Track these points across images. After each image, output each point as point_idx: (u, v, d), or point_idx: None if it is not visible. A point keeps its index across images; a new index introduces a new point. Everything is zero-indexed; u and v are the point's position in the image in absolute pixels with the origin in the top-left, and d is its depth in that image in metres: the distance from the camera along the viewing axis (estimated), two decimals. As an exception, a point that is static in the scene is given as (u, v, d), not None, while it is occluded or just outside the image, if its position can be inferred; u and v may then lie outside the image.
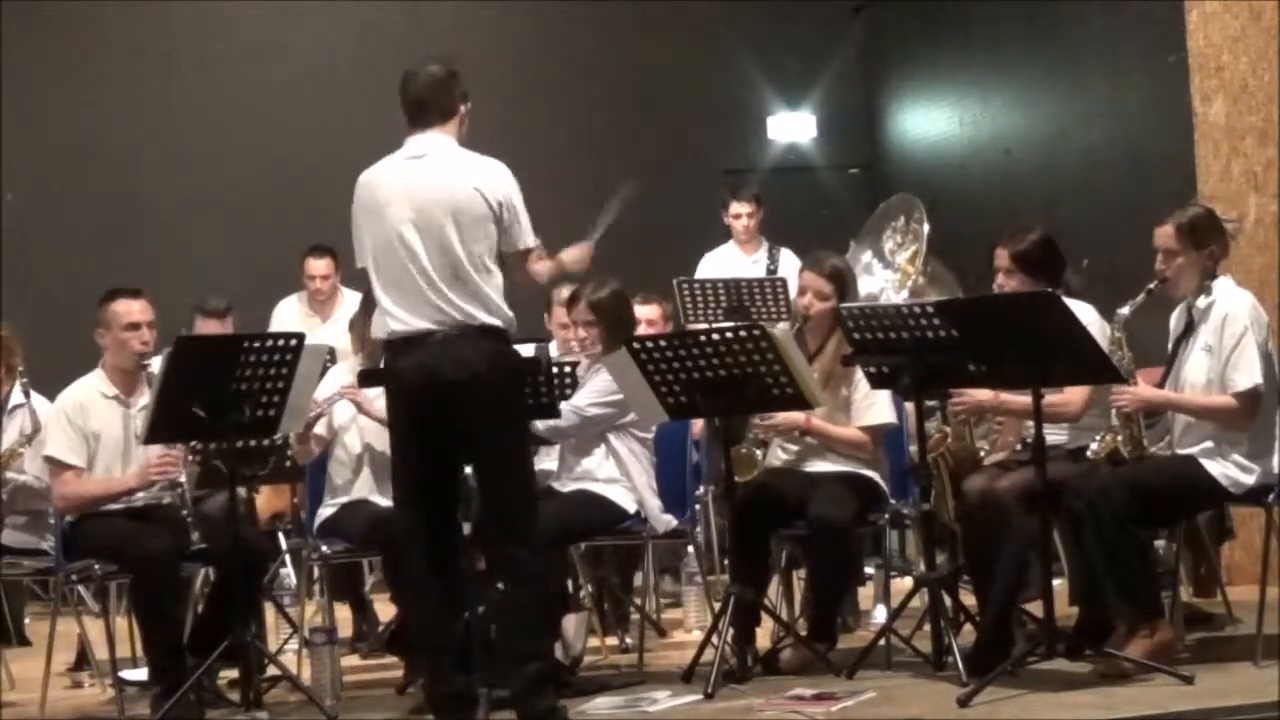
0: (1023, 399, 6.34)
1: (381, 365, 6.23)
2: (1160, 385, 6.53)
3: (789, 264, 9.92)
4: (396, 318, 5.98)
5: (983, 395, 6.66)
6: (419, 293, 5.95)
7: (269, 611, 7.58)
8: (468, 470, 6.12)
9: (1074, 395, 6.57)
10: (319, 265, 10.23)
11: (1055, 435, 6.57)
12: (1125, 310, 6.47)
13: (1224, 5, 8.42)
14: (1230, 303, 6.40)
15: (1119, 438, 6.47)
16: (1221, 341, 6.35)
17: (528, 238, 6.11)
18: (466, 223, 5.99)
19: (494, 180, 6.06)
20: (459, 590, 6.06)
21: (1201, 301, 6.45)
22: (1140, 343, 6.56)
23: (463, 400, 5.93)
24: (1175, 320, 6.61)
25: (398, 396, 6.06)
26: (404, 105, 6.14)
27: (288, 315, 10.32)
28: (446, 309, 5.94)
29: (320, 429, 7.10)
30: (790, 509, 6.87)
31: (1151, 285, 6.49)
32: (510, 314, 6.08)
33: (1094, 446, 6.50)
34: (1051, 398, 6.47)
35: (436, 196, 5.99)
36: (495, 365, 6.00)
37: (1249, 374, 6.29)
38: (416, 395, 5.96)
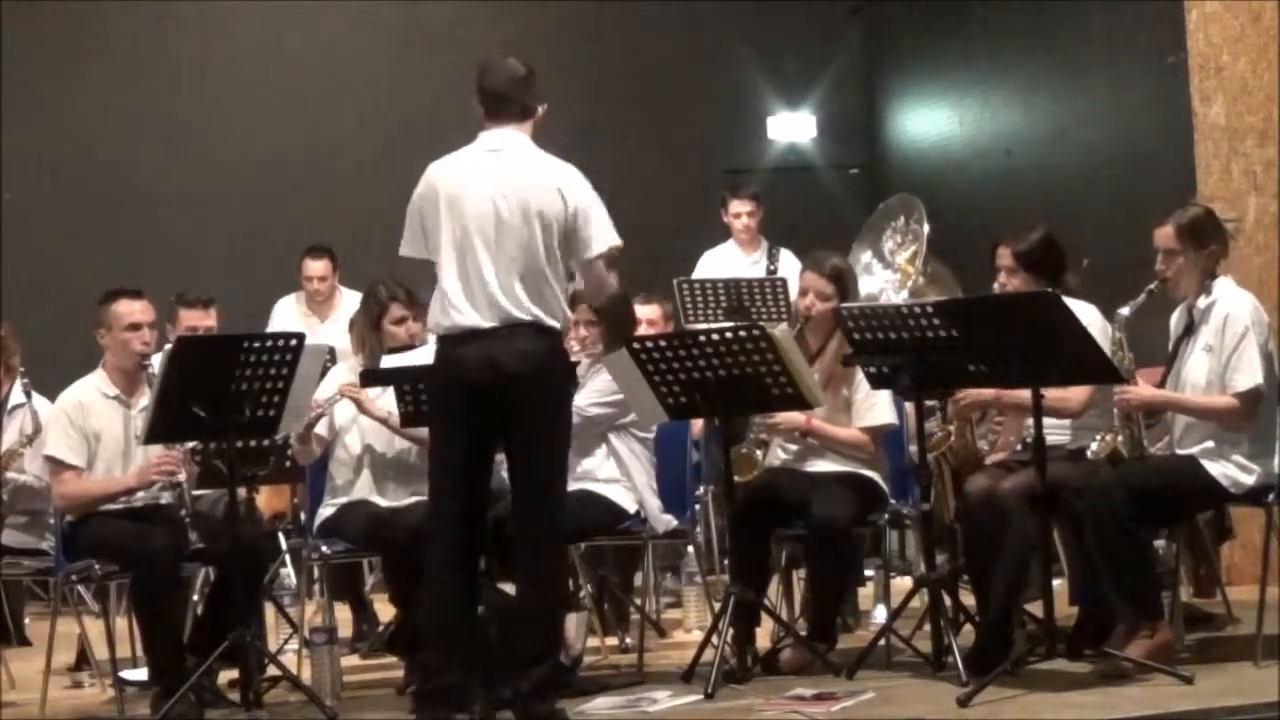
0: (1024, 393, 6.33)
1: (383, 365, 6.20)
2: (1160, 385, 6.52)
3: (788, 264, 9.91)
4: (461, 310, 5.96)
5: (985, 391, 6.66)
6: (491, 287, 5.95)
7: (269, 611, 7.58)
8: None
9: (1076, 392, 6.57)
10: (317, 266, 10.22)
11: (1056, 435, 6.56)
12: (1126, 311, 6.47)
13: (1224, 5, 8.42)
14: (1231, 303, 6.39)
15: (1119, 438, 6.47)
16: (1223, 342, 6.35)
17: (609, 237, 6.12)
18: (548, 222, 6.01)
19: (573, 183, 6.10)
20: (476, 588, 6.06)
21: (1202, 302, 6.45)
22: (1140, 343, 6.56)
23: (522, 393, 5.92)
24: (1175, 320, 6.61)
25: (452, 387, 6.01)
26: (483, 97, 6.14)
27: (286, 315, 10.32)
28: (513, 306, 5.95)
29: (321, 429, 7.10)
30: (790, 509, 6.87)
31: (1152, 285, 6.49)
32: (570, 316, 6.16)
33: (1094, 447, 6.50)
34: (1052, 393, 6.47)
35: (521, 193, 6.00)
36: (555, 362, 6.06)
37: (1250, 374, 6.29)
38: (477, 386, 5.93)
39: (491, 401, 5.94)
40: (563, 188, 6.05)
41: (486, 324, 5.94)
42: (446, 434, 6.06)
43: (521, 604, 6.01)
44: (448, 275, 6.01)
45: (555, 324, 6.02)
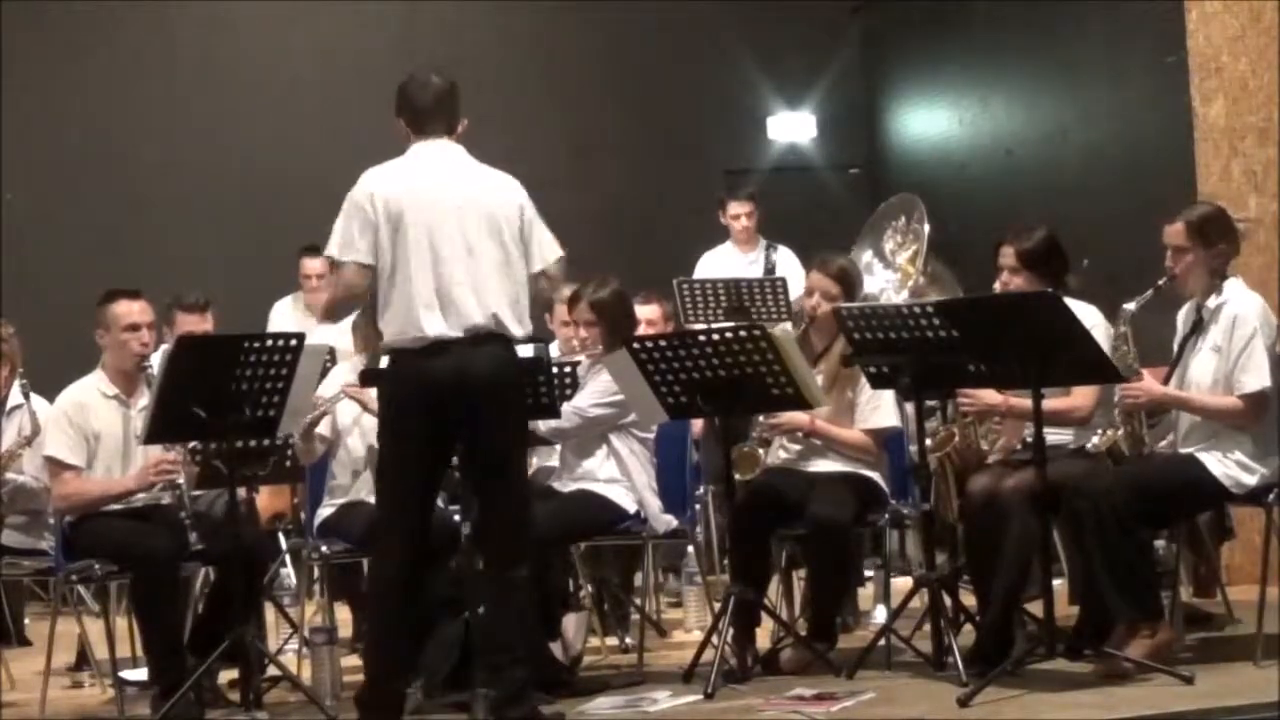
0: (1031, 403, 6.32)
1: (383, 365, 6.19)
2: (1165, 383, 6.51)
3: (787, 263, 9.94)
4: (427, 322, 5.92)
5: (992, 398, 6.65)
6: (456, 299, 5.94)
7: (269, 611, 7.58)
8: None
9: (1083, 400, 6.56)
10: (314, 264, 10.22)
11: (1058, 435, 6.56)
12: (1131, 306, 6.47)
13: (1224, 5, 8.43)
14: (1240, 304, 6.38)
15: (1120, 432, 6.47)
16: (1230, 343, 6.34)
17: (556, 247, 6.16)
18: (511, 231, 6.04)
19: (522, 194, 6.13)
20: (420, 598, 6.09)
21: (1212, 301, 6.43)
22: (1141, 342, 6.56)
23: (494, 405, 5.94)
24: (1183, 317, 6.60)
25: (419, 399, 5.97)
26: (414, 112, 6.12)
27: (284, 315, 10.33)
28: (479, 317, 5.95)
29: (324, 429, 7.10)
30: (790, 509, 6.87)
31: (1161, 282, 6.47)
32: (530, 324, 6.15)
33: (1094, 440, 6.50)
34: (1061, 402, 6.48)
35: (482, 204, 6.02)
36: (518, 372, 6.08)
37: (1258, 376, 6.28)
38: (446, 399, 5.92)
39: (457, 414, 5.93)
40: (517, 199, 6.10)
41: (452, 334, 5.93)
42: (409, 447, 6.01)
43: (496, 609, 6.00)
44: (410, 287, 5.96)
45: (518, 333, 6.04)
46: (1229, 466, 6.34)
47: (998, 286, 6.79)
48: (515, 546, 6.01)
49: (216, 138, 11.88)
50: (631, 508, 7.06)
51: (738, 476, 6.95)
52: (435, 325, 5.93)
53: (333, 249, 6.08)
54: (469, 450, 6.04)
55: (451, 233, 5.97)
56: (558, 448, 7.33)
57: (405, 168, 6.11)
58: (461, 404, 5.92)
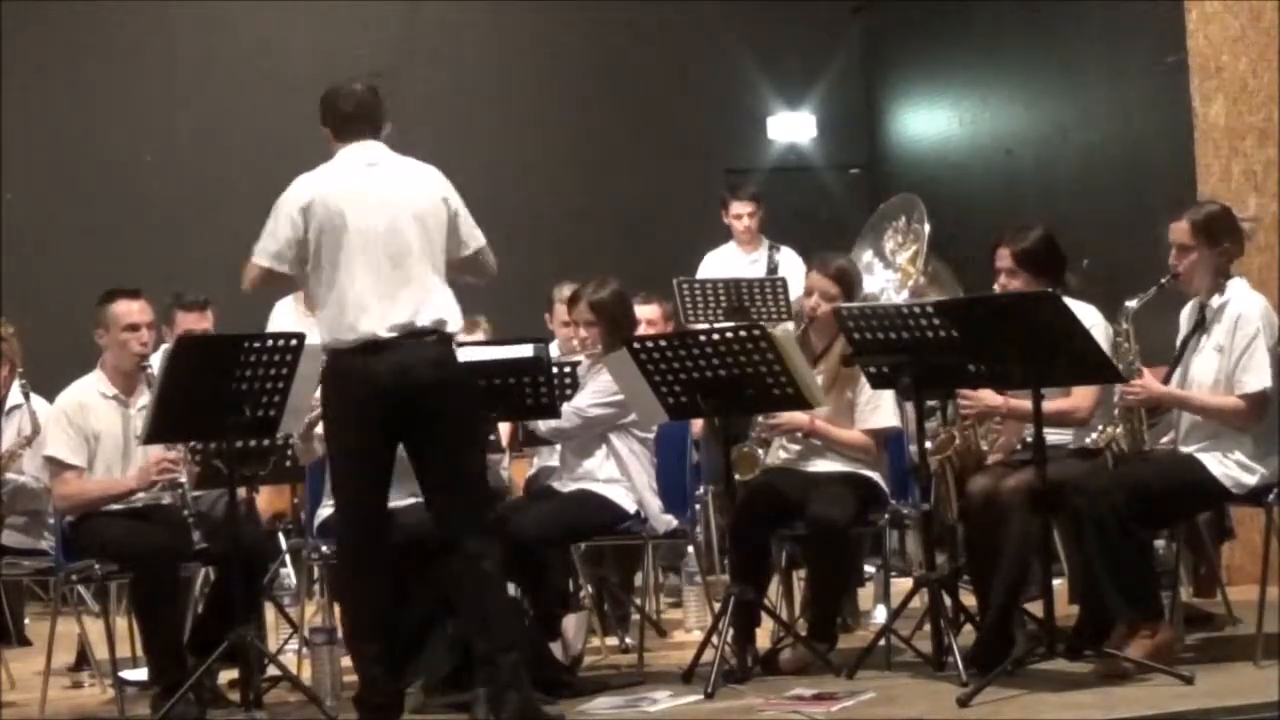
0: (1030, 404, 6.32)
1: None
2: (1165, 382, 6.51)
3: (789, 262, 9.92)
4: (362, 324, 5.99)
5: (992, 399, 6.65)
6: (395, 298, 6.01)
7: (269, 611, 7.58)
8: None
9: (1083, 401, 6.56)
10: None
11: (1059, 434, 6.56)
12: (1133, 303, 6.46)
13: (1224, 5, 8.43)
14: (1244, 304, 6.38)
15: (1119, 429, 6.47)
16: (1233, 342, 6.34)
17: (479, 234, 6.24)
18: (439, 227, 6.13)
19: (448, 186, 6.21)
20: (401, 593, 6.15)
21: (1215, 300, 6.44)
22: (1143, 340, 6.55)
23: (438, 402, 6.01)
24: (1186, 316, 6.60)
25: (363, 398, 6.03)
26: (341, 118, 6.24)
27: (285, 315, 10.30)
28: (415, 316, 6.02)
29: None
30: (790, 509, 6.87)
31: (1164, 279, 6.47)
32: (461, 320, 6.20)
33: (1093, 436, 6.50)
34: (1060, 403, 6.47)
35: (412, 203, 6.11)
36: (460, 367, 6.14)
37: (1259, 377, 6.28)
38: (388, 397, 5.98)
39: (400, 412, 5.99)
40: (443, 192, 6.18)
41: (386, 333, 5.99)
42: (362, 446, 6.08)
43: (478, 605, 6.04)
44: (343, 287, 6.03)
45: (453, 330, 6.12)
46: (1229, 466, 6.34)
47: (996, 289, 6.78)
48: (482, 541, 6.06)
49: (216, 138, 11.87)
50: (631, 508, 7.06)
51: (738, 476, 6.95)
52: (369, 324, 6.00)
53: (256, 250, 6.23)
54: (416, 450, 6.10)
55: (381, 232, 6.05)
56: (558, 448, 7.34)
57: (334, 171, 6.21)
58: (401, 403, 5.98)
